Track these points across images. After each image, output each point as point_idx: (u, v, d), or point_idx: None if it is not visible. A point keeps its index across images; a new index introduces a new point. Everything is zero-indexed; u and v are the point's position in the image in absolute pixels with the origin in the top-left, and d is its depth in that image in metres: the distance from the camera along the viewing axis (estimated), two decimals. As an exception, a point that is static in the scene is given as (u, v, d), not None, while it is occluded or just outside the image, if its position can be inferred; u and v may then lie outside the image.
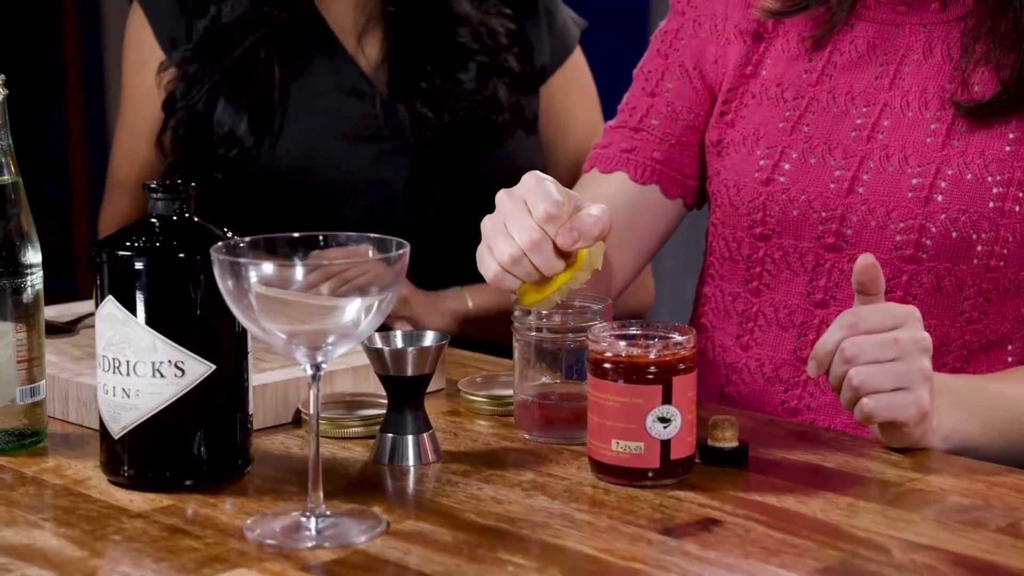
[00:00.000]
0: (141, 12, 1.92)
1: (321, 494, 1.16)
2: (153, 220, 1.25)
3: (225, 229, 1.27)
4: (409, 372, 1.32)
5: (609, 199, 1.60)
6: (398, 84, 1.89)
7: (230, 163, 1.86)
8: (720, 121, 1.61)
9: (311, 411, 1.16)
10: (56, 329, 1.58)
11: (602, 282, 1.59)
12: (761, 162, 1.55)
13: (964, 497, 1.23)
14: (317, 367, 1.15)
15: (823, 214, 1.51)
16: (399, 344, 1.35)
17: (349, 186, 1.88)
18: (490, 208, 1.98)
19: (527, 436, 1.39)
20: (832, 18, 1.54)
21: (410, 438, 1.33)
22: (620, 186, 1.64)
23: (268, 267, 1.11)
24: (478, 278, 1.92)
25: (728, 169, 1.59)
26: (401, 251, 1.15)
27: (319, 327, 1.14)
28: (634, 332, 1.30)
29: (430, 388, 1.52)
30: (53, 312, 1.65)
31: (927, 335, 1.31)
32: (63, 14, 4.29)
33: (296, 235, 1.17)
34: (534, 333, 1.39)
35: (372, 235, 1.17)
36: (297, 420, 1.43)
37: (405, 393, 1.33)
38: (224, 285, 1.12)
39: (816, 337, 1.53)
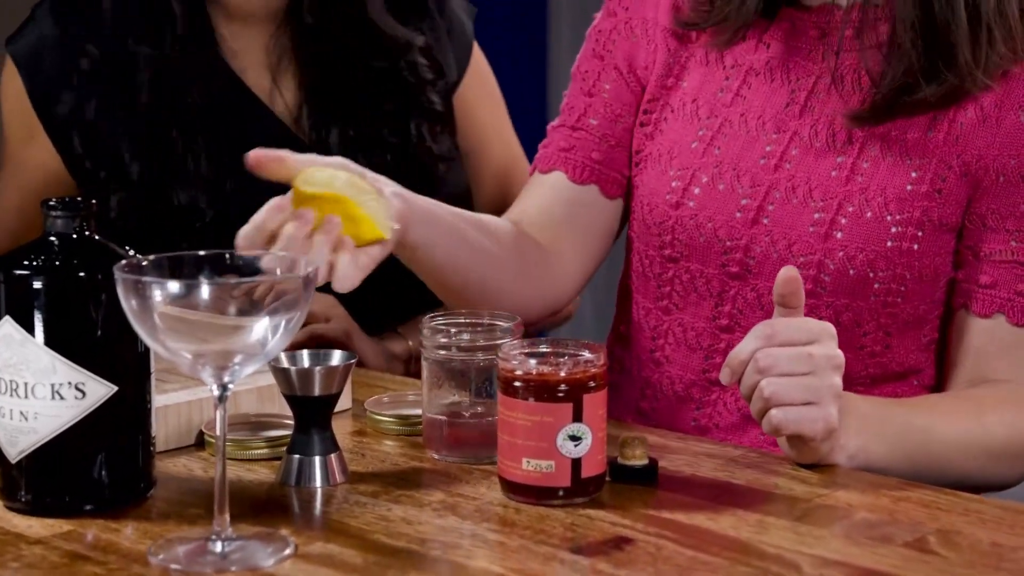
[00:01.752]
0: (18, 78, 1.80)
1: (227, 517, 1.14)
2: (52, 238, 1.22)
3: (127, 247, 1.24)
4: (316, 392, 1.30)
5: (547, 198, 1.60)
6: (322, 127, 1.79)
7: (193, 234, 1.77)
8: (640, 131, 1.61)
9: (217, 432, 1.14)
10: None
11: (546, 283, 1.59)
12: (673, 183, 1.55)
13: (871, 512, 1.24)
14: (224, 387, 1.13)
15: (728, 243, 1.51)
16: (306, 364, 1.33)
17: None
18: None
19: (436, 456, 1.38)
20: (735, 29, 1.54)
21: (317, 459, 1.31)
22: (558, 185, 1.63)
23: (173, 285, 1.09)
24: (409, 302, 1.89)
25: (644, 185, 1.58)
26: (311, 269, 1.13)
27: (226, 347, 1.11)
28: (544, 350, 1.29)
29: (336, 408, 1.51)
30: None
31: (840, 353, 1.31)
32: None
33: (202, 253, 1.15)
34: (442, 352, 1.38)
35: (281, 253, 1.15)
36: (201, 442, 1.40)
37: (312, 413, 1.31)
38: (128, 304, 1.10)
39: (723, 360, 1.53)
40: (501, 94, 2.00)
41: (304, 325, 1.72)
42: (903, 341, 1.51)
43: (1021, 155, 1.47)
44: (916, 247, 1.48)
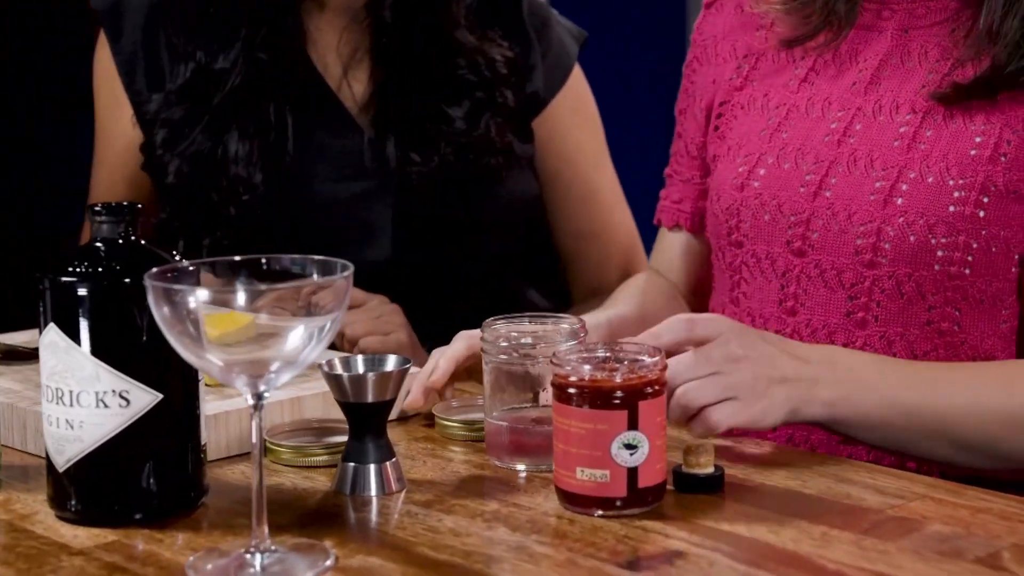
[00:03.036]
0: (108, 48, 1.85)
1: (266, 529, 1.12)
2: (98, 244, 1.20)
3: (174, 252, 1.23)
4: (369, 399, 1.28)
5: (679, 258, 1.67)
6: (385, 123, 1.80)
7: (239, 206, 1.79)
8: (715, 135, 1.61)
9: (253, 440, 1.12)
10: (19, 355, 1.54)
11: None
12: (740, 168, 1.54)
13: (945, 525, 1.18)
14: (259, 396, 1.10)
15: (791, 218, 1.49)
16: (360, 369, 1.30)
17: (334, 226, 1.82)
18: (484, 245, 1.94)
19: (498, 463, 1.34)
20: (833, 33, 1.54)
21: (372, 467, 1.28)
22: (684, 242, 1.68)
23: (203, 293, 1.07)
24: (470, 320, 1.87)
25: (713, 179, 1.57)
26: (346, 272, 1.10)
27: (260, 355, 1.09)
28: (601, 355, 1.25)
29: (409, 412, 1.49)
30: (25, 337, 1.62)
31: (738, 349, 1.30)
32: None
33: (237, 259, 1.13)
34: (504, 356, 1.34)
35: (316, 257, 1.13)
36: (265, 448, 1.38)
37: (366, 420, 1.28)
38: (160, 313, 1.08)
39: (796, 289, 1.49)
40: (600, 123, 1.97)
41: (361, 337, 1.71)
42: (976, 322, 1.44)
43: None
44: (981, 214, 1.42)
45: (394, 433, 1.43)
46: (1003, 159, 1.43)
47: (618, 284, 1.79)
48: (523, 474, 1.31)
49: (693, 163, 1.65)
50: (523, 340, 1.34)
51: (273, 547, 1.12)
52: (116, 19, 1.83)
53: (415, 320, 1.80)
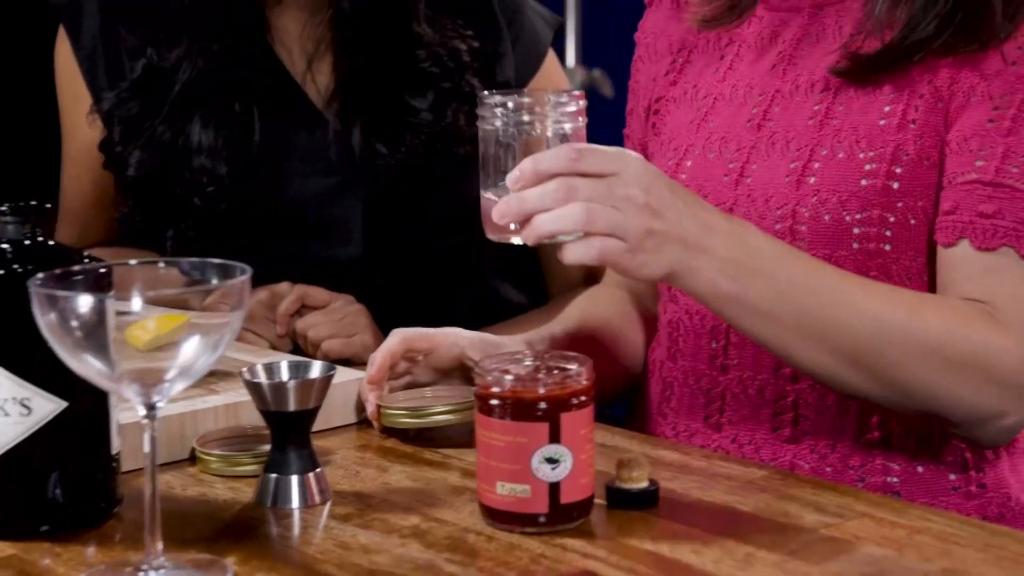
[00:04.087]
0: (68, 44, 1.82)
1: (160, 545, 1.08)
2: (4, 245, 1.17)
3: (85, 253, 1.19)
4: (292, 407, 1.24)
5: None
6: (350, 115, 1.78)
7: (203, 198, 1.77)
8: (652, 132, 1.57)
9: (146, 450, 1.07)
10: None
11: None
12: (669, 162, 1.50)
13: (878, 547, 1.12)
14: (151, 407, 1.06)
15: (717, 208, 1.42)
16: (283, 376, 1.26)
17: (302, 222, 1.79)
18: (457, 240, 1.90)
19: (496, 239, 1.27)
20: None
21: (294, 478, 1.24)
22: None
23: (86, 300, 1.03)
24: (443, 319, 1.84)
25: None
26: (243, 276, 1.06)
27: (154, 364, 1.05)
28: (527, 364, 1.20)
29: (351, 419, 1.45)
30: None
31: (641, 191, 1.22)
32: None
33: (133, 262, 1.09)
34: (499, 123, 1.26)
35: (214, 260, 1.09)
36: (193, 457, 1.34)
37: (288, 430, 1.24)
38: (45, 320, 1.04)
39: (726, 343, 1.45)
40: None
41: (324, 340, 1.67)
42: None
43: (991, 75, 1.35)
44: (895, 185, 1.36)
45: (334, 441, 1.39)
46: (912, 125, 1.37)
47: (597, 279, 1.74)
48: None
49: None
50: (521, 99, 1.26)
51: (169, 564, 1.08)
52: (75, 15, 1.81)
53: (387, 320, 1.76)
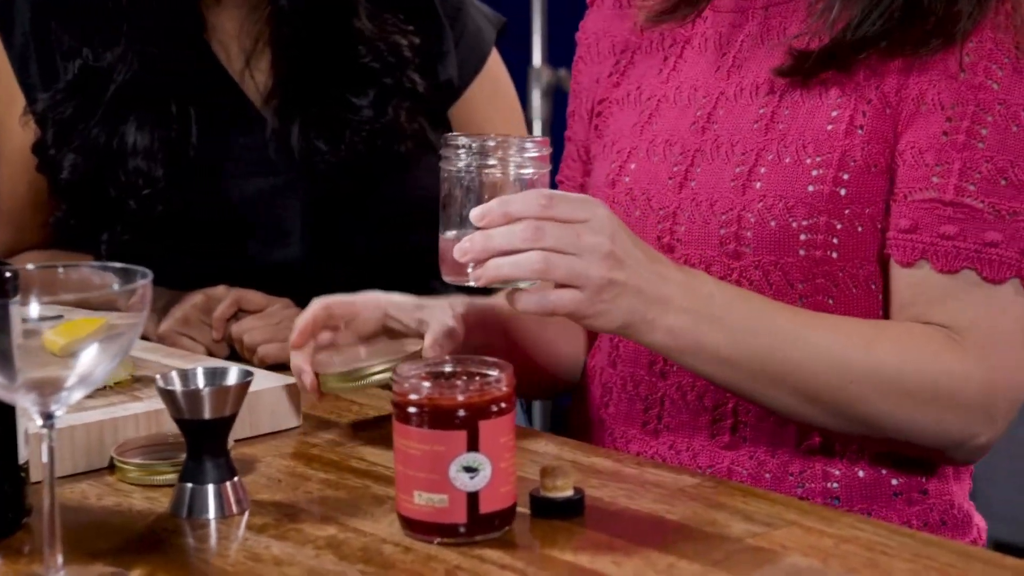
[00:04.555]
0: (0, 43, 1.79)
1: (60, 558, 1.04)
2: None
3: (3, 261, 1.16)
4: (207, 415, 1.20)
5: None
6: (288, 114, 1.74)
7: (139, 200, 1.74)
8: (595, 135, 1.53)
9: (43, 461, 1.04)
10: None
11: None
12: (612, 165, 1.46)
13: (804, 556, 1.09)
14: (49, 416, 1.03)
15: (660, 212, 1.41)
16: (199, 383, 1.23)
17: (240, 223, 1.76)
18: (400, 240, 1.86)
19: (451, 280, 1.26)
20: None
21: (210, 488, 1.20)
22: None
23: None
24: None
25: (591, 179, 1.51)
26: (144, 281, 1.03)
27: (54, 373, 1.02)
28: (447, 370, 1.17)
29: (285, 424, 1.42)
30: None
31: (606, 242, 1.22)
32: None
33: (31, 267, 1.06)
34: (462, 164, 1.24)
35: (115, 264, 1.05)
36: (113, 465, 1.31)
37: (203, 438, 1.21)
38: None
39: None
40: (520, 109, 1.90)
41: (260, 344, 1.64)
42: (850, 310, 1.35)
43: (941, 81, 1.32)
44: (842, 192, 1.33)
45: (260, 448, 1.36)
46: (860, 131, 1.34)
47: None
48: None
49: (582, 167, 1.57)
50: (485, 143, 1.25)
51: (69, 577, 1.05)
52: (7, 11, 1.77)
53: None
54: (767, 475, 1.38)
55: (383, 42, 1.76)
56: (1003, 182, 1.30)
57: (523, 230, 1.20)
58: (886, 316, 1.35)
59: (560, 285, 1.22)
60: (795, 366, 1.28)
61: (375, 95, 1.76)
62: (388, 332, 1.41)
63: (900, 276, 1.33)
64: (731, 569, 1.07)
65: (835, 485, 1.37)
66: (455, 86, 1.83)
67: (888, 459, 1.38)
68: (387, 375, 1.32)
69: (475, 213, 1.22)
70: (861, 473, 1.37)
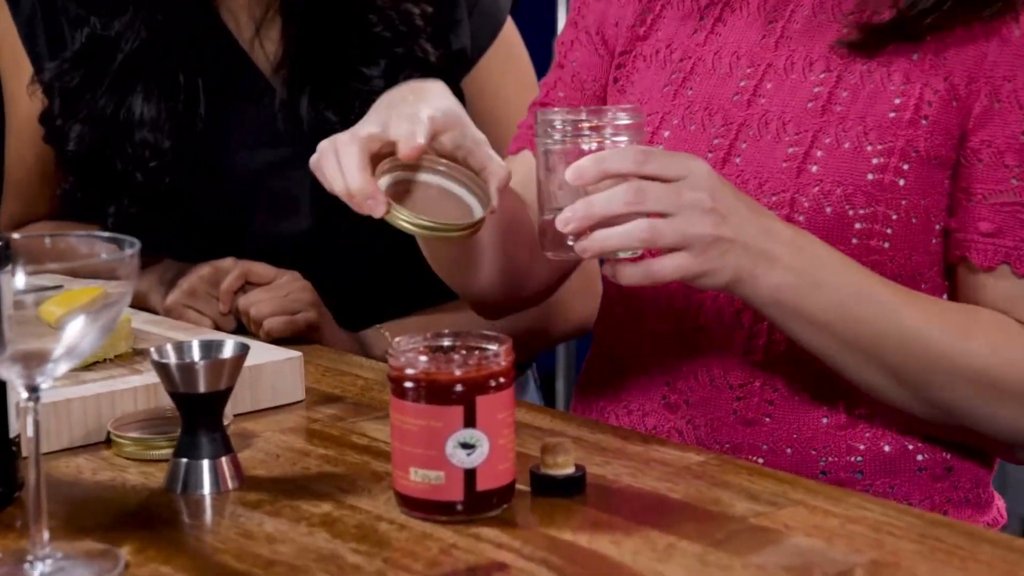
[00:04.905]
0: (7, 10, 1.77)
1: (46, 534, 1.02)
2: None
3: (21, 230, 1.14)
4: (201, 389, 1.18)
5: (517, 181, 1.42)
6: (298, 84, 1.72)
7: (146, 173, 1.72)
8: (614, 87, 1.47)
9: (28, 436, 1.02)
10: None
11: (506, 260, 1.42)
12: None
13: (808, 536, 1.06)
14: (34, 389, 1.01)
15: None
16: (194, 356, 1.21)
17: (249, 196, 1.73)
18: None
19: (552, 255, 1.24)
20: None
21: (205, 463, 1.18)
22: (526, 163, 1.47)
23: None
24: (394, 296, 1.78)
25: None
26: (132, 250, 1.00)
27: (40, 345, 1.00)
28: (445, 344, 1.15)
29: (287, 399, 1.40)
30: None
31: (708, 197, 1.19)
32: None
33: (16, 236, 1.03)
34: (557, 137, 1.22)
35: (102, 234, 1.03)
36: (110, 440, 1.29)
37: (198, 413, 1.19)
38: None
39: (698, 325, 1.38)
40: (535, 79, 1.87)
41: (266, 318, 1.62)
42: None
43: (1019, 78, 1.27)
44: (902, 183, 1.30)
45: (259, 423, 1.34)
46: (924, 122, 1.30)
47: None
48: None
49: (579, 94, 1.49)
50: (579, 116, 1.22)
51: (58, 553, 1.03)
52: None
53: (333, 297, 1.71)
54: (788, 450, 1.35)
55: (395, 11, 1.73)
56: None
57: (624, 192, 1.17)
58: None
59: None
60: (888, 343, 1.25)
61: (386, 65, 1.73)
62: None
63: (978, 279, 1.31)
64: (732, 549, 1.04)
65: (859, 459, 1.34)
66: (468, 56, 1.79)
67: (916, 434, 1.35)
68: (459, 235, 1.25)
69: (570, 172, 1.19)
70: (887, 448, 1.34)
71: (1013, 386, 1.27)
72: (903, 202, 1.31)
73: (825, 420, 1.34)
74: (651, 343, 1.41)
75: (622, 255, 1.22)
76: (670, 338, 1.40)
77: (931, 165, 1.31)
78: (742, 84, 1.38)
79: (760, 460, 1.34)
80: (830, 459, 1.34)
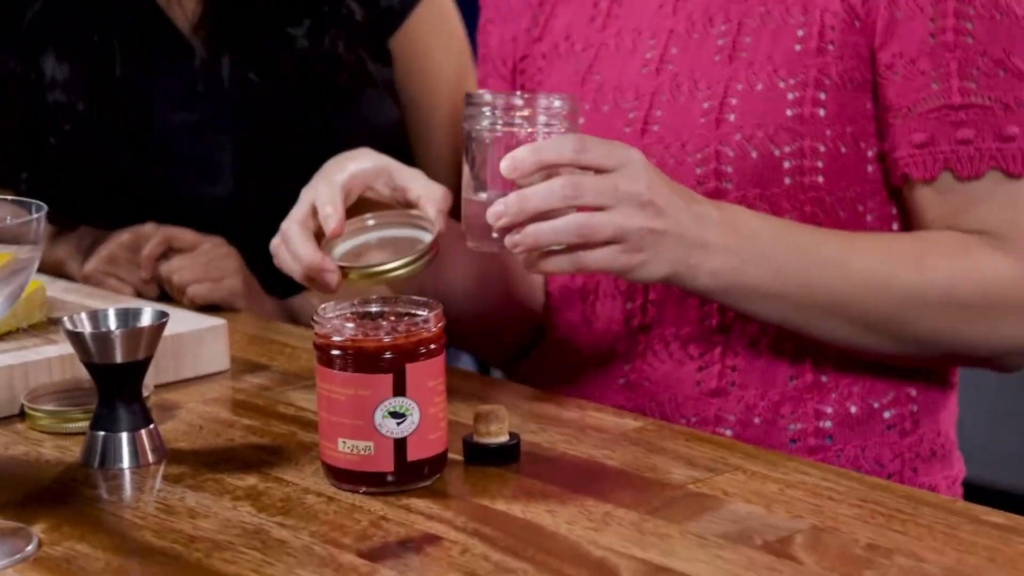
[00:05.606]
0: None
1: (-45, 512, 0.98)
2: None
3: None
4: (118, 359, 1.13)
5: None
6: (219, 43, 1.66)
7: (59, 136, 1.66)
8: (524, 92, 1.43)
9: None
10: None
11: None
12: None
13: (747, 503, 1.03)
14: (-60, 362, 0.96)
15: None
16: (111, 325, 1.16)
17: (168, 159, 1.68)
18: None
19: (476, 247, 1.20)
20: None
21: (124, 436, 1.14)
22: None
23: None
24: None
25: None
26: (39, 214, 0.96)
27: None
28: (372, 310, 1.11)
29: (211, 368, 1.35)
30: None
31: (645, 190, 1.16)
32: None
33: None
34: (486, 123, 1.18)
35: (7, 197, 0.98)
36: (23, 413, 1.24)
37: (115, 384, 1.14)
38: None
39: (644, 303, 1.35)
40: (466, 39, 1.82)
41: (189, 284, 1.57)
42: None
43: None
44: (822, 112, 1.28)
45: (181, 394, 1.30)
46: (831, 47, 1.28)
47: None
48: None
49: None
50: (511, 99, 1.19)
51: (-33, 533, 0.98)
52: None
53: (258, 263, 1.66)
54: (756, 419, 1.32)
55: None
56: (1002, 73, 1.25)
57: (561, 187, 1.14)
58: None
59: None
60: (846, 295, 1.23)
61: (311, 24, 1.68)
62: (362, 203, 1.31)
63: (921, 193, 1.28)
64: (669, 517, 1.01)
65: (827, 424, 1.32)
66: (396, 13, 1.75)
67: (879, 392, 1.33)
68: (416, 265, 1.24)
69: (505, 164, 1.15)
70: (853, 408, 1.32)
71: (981, 299, 1.24)
72: (827, 132, 1.28)
73: (793, 381, 1.32)
74: (603, 321, 1.38)
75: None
76: (620, 314, 1.37)
77: (847, 90, 1.28)
78: (648, 56, 1.35)
79: (728, 432, 1.31)
80: (799, 426, 1.32)
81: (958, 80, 1.25)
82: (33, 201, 0.96)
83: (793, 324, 1.26)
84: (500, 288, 1.43)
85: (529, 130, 1.18)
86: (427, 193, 1.27)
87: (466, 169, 1.21)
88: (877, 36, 1.27)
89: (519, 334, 1.49)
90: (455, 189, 1.84)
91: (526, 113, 1.18)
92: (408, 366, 1.06)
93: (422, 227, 1.27)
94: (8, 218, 0.97)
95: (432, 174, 1.83)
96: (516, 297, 1.45)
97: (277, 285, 1.68)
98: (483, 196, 1.19)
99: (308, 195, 1.28)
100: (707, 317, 1.33)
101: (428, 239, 1.25)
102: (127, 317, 1.16)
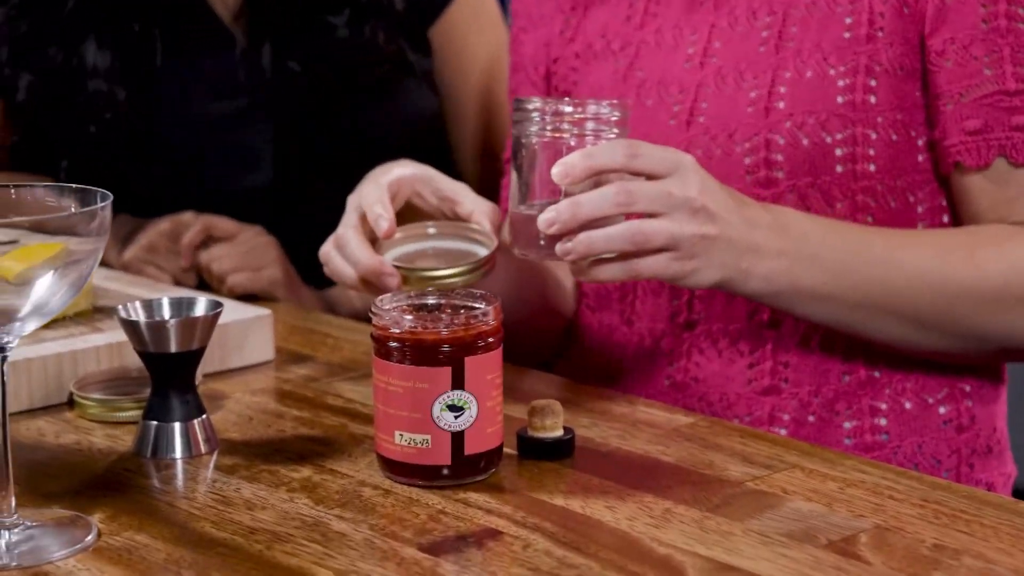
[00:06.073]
0: None
1: (12, 502, 0.97)
2: None
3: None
4: (173, 348, 1.13)
5: None
6: (259, 32, 1.66)
7: (100, 125, 1.65)
8: (556, 95, 1.43)
9: (-2, 401, 0.97)
10: None
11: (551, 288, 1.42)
12: None
13: (807, 501, 1.03)
14: (1, 348, 0.95)
15: None
16: (164, 314, 1.15)
17: (208, 148, 1.67)
18: (372, 164, 1.78)
19: (522, 254, 1.18)
20: None
21: (176, 426, 1.14)
22: None
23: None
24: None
25: None
26: (104, 203, 0.95)
27: (8, 302, 0.94)
28: (430, 302, 1.10)
29: (257, 359, 1.35)
30: None
31: (698, 196, 1.14)
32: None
33: (-17, 188, 0.98)
34: (535, 128, 1.17)
35: (73, 186, 0.98)
36: (72, 401, 1.24)
37: (169, 373, 1.14)
38: None
39: (688, 299, 1.34)
40: (504, 28, 1.82)
41: (229, 273, 1.57)
42: (891, 225, 1.29)
43: None
44: (873, 100, 1.27)
45: (228, 384, 1.29)
46: (880, 34, 1.27)
47: None
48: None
49: None
50: (561, 107, 1.17)
51: (26, 521, 0.98)
52: None
53: (298, 253, 1.65)
54: (811, 417, 1.31)
55: None
56: None
57: (615, 194, 1.12)
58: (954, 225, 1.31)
59: None
60: (898, 293, 1.22)
61: (351, 13, 1.68)
62: (409, 210, 1.30)
63: (972, 181, 1.27)
64: (730, 515, 1.00)
65: (883, 421, 1.31)
66: (436, 3, 1.74)
67: (933, 387, 1.32)
68: (473, 275, 1.23)
69: (556, 169, 1.13)
70: (908, 404, 1.31)
71: None
72: (879, 119, 1.27)
73: (846, 378, 1.31)
74: (645, 320, 1.37)
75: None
76: (664, 312, 1.36)
77: (898, 77, 1.27)
78: (691, 51, 1.34)
79: (783, 431, 1.30)
80: (854, 423, 1.31)
81: (1011, 66, 1.24)
82: (97, 189, 0.95)
83: (845, 324, 1.25)
84: (536, 294, 1.42)
85: (579, 136, 1.17)
86: (479, 207, 1.26)
87: (514, 175, 1.20)
88: (927, 22, 1.27)
89: (552, 338, 1.48)
90: (481, 180, 1.82)
91: (576, 119, 1.17)
92: (467, 359, 1.05)
93: (478, 240, 1.26)
94: (73, 207, 0.96)
95: (469, 162, 1.83)
96: (551, 302, 1.44)
97: (315, 276, 1.67)
98: (532, 203, 1.18)
99: (355, 200, 1.27)
100: (757, 312, 1.32)
101: (484, 253, 1.24)
102: (181, 306, 1.16)
